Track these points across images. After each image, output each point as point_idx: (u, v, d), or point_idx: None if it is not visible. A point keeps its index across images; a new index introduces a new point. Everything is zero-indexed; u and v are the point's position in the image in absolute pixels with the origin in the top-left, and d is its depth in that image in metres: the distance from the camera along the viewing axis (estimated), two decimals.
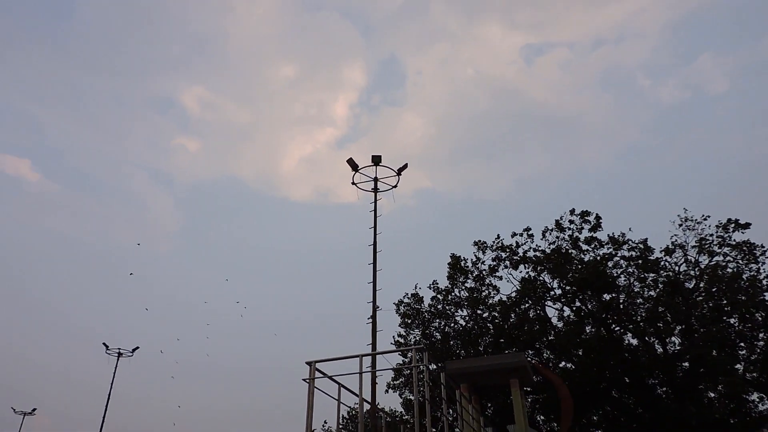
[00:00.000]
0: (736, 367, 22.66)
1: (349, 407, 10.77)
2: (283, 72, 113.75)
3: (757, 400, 22.84)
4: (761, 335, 22.85)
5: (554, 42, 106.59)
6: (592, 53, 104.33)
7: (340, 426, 29.89)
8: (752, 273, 23.69)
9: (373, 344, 16.85)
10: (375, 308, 17.77)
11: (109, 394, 34.96)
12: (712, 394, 23.11)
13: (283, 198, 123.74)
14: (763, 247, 23.96)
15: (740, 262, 24.16)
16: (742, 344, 23.26)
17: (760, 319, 22.74)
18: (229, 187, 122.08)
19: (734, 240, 24.52)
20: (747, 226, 24.43)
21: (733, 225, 24.63)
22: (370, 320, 17.45)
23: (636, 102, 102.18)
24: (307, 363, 8.78)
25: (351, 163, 20.96)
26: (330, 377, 9.06)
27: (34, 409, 45.74)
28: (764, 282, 23.28)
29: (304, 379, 8.69)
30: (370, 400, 14.91)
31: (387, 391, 27.53)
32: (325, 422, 40.92)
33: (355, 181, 20.95)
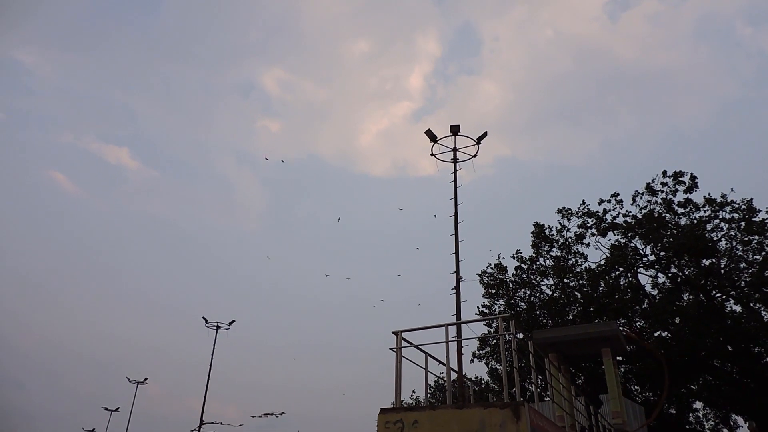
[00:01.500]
0: None
1: (437, 376, 10.97)
2: (358, 48, 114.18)
3: None
4: None
5: None
6: (684, 2, 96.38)
7: (428, 395, 30.48)
8: None
9: (458, 314, 16.93)
10: (458, 279, 17.80)
11: (211, 364, 37.51)
12: None
13: (362, 174, 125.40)
14: None
15: None
16: None
17: None
18: (311, 165, 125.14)
19: None
20: None
21: None
22: (454, 291, 17.51)
23: (736, 53, 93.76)
24: (394, 332, 9.00)
25: (429, 134, 20.82)
26: (416, 346, 9.25)
27: (146, 379, 49.90)
28: None
29: (391, 348, 8.93)
30: (456, 369, 15.06)
31: (472, 360, 27.65)
32: (414, 392, 41.79)
33: (434, 153, 20.83)
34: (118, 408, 50.33)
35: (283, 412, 40.40)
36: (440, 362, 9.39)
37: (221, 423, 37.91)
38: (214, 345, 38.56)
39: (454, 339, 13.31)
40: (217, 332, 39.67)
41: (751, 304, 23.31)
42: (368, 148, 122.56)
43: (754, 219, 23.56)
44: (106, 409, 50.42)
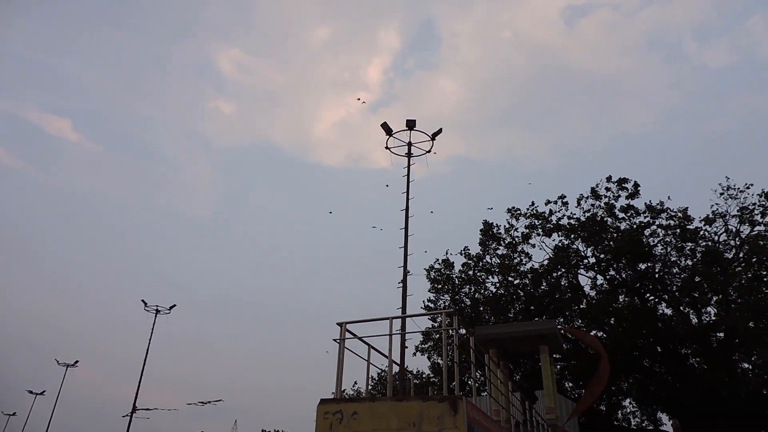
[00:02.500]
0: None
1: (379, 369, 11.01)
2: (319, 34, 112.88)
3: None
4: None
5: (598, 2, 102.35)
6: (638, 14, 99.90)
7: (370, 387, 30.64)
8: None
9: (403, 308, 17.05)
10: (406, 272, 17.92)
11: (147, 349, 36.37)
12: (746, 365, 22.76)
13: (316, 163, 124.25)
14: None
15: None
16: None
17: None
18: (264, 151, 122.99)
19: None
20: None
21: None
22: (401, 284, 17.62)
23: (682, 65, 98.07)
24: (338, 324, 8.97)
25: (385, 127, 20.82)
26: (360, 338, 9.26)
27: (77, 362, 47.90)
28: None
29: (335, 340, 8.90)
30: (399, 362, 15.19)
31: (415, 354, 27.99)
32: (355, 383, 41.92)
33: (389, 146, 20.87)
34: (44, 391, 48.27)
35: (220, 400, 39.73)
36: (383, 355, 9.44)
37: (155, 408, 36.88)
38: (152, 329, 37.50)
39: (398, 332, 13.41)
40: (156, 316, 38.56)
41: (681, 308, 24.55)
42: (323, 138, 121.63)
43: (688, 227, 24.76)
44: (30, 392, 48.25)
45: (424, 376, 29.28)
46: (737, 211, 24.40)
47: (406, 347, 16.28)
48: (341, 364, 8.55)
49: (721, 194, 24.83)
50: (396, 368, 14.73)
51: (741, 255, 23.91)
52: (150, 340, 36.89)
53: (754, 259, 23.10)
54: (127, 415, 34.59)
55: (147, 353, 36.27)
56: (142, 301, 39.25)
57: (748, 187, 24.39)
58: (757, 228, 23.91)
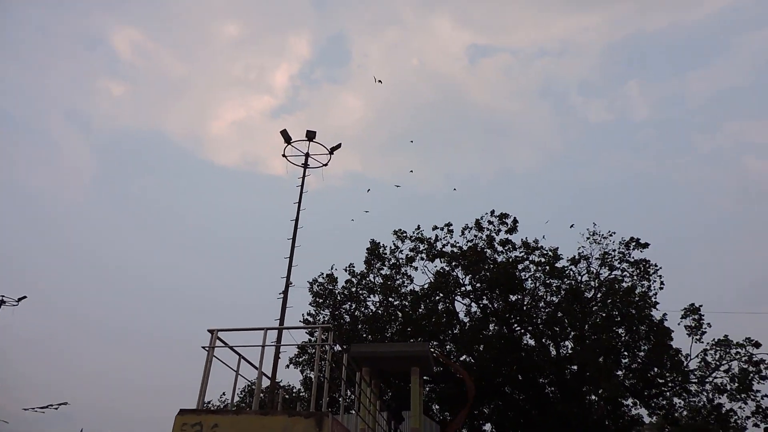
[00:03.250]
0: (617, 373, 24.47)
1: (248, 381, 10.62)
2: (227, 30, 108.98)
3: (631, 404, 24.90)
4: (643, 346, 24.80)
5: (500, 46, 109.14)
6: (533, 62, 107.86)
7: (238, 398, 29.51)
8: (644, 289, 25.60)
9: (281, 319, 16.70)
10: (288, 283, 17.62)
11: None
12: (594, 397, 24.81)
13: (208, 160, 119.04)
14: (657, 266, 25.93)
15: (635, 278, 26.01)
16: (625, 353, 25.12)
17: (644, 331, 24.65)
18: (152, 141, 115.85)
19: (633, 257, 26.34)
20: (646, 245, 26.31)
21: (634, 243, 26.43)
22: (282, 295, 17.27)
23: (566, 116, 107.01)
24: (210, 331, 8.56)
25: (284, 134, 20.54)
26: (231, 347, 8.89)
27: None
28: (653, 298, 25.24)
29: (204, 347, 8.47)
30: (270, 375, 14.79)
31: (288, 367, 27.46)
32: (223, 394, 40.22)
33: (286, 154, 20.57)
34: None
35: (65, 403, 35.07)
36: (253, 366, 9.12)
37: None
38: None
39: (272, 344, 13.06)
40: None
41: (543, 340, 26.35)
42: (219, 136, 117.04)
43: (556, 265, 26.76)
44: None
45: (294, 390, 28.78)
46: (599, 255, 26.83)
47: (279, 358, 15.92)
48: (207, 372, 8.14)
49: (588, 238, 27.18)
50: (267, 381, 14.31)
51: (598, 296, 26.21)
52: None
53: (609, 300, 25.43)
54: None
55: None
56: None
57: (611, 234, 26.94)
58: (615, 272, 26.41)
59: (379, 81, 32.29)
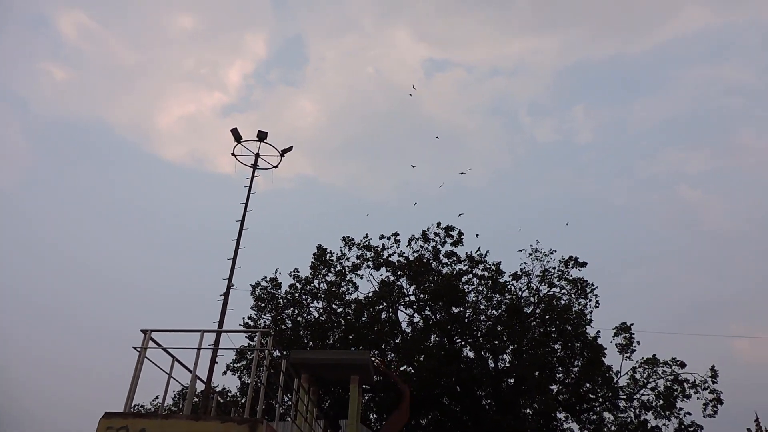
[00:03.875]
0: (552, 387, 25.13)
1: (183, 385, 10.27)
2: (182, 22, 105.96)
3: (564, 418, 25.61)
4: (577, 362, 25.62)
5: (455, 62, 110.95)
6: (487, 80, 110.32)
7: (164, 402, 28.57)
8: (580, 307, 26.50)
9: (221, 322, 16.25)
10: (230, 285, 17.19)
11: None
12: (529, 410, 25.36)
13: (152, 154, 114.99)
14: (593, 285, 26.91)
15: (573, 296, 26.89)
16: (560, 368, 25.88)
17: (578, 348, 25.47)
18: (95, 129, 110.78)
19: (571, 275, 27.23)
20: (584, 264, 27.26)
21: (573, 262, 27.33)
22: (222, 297, 16.83)
23: (516, 134, 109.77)
24: (143, 331, 8.23)
25: (235, 133, 20.09)
26: (165, 349, 8.56)
27: None
28: (588, 316, 26.15)
29: (135, 348, 8.12)
30: (205, 379, 14.34)
31: (225, 372, 26.74)
32: (156, 397, 38.75)
33: (236, 153, 20.13)
34: None
35: None
36: (187, 369, 8.81)
37: None
38: None
39: (208, 347, 12.69)
40: None
41: (482, 353, 26.77)
42: (166, 130, 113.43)
43: (499, 280, 27.31)
44: None
45: (230, 395, 28.05)
46: (540, 272, 27.58)
47: (216, 363, 15.47)
48: (138, 374, 7.80)
49: (530, 255, 27.90)
50: (203, 386, 13.88)
51: (537, 311, 26.91)
52: None
53: (547, 317, 26.15)
54: None
55: None
56: None
57: (552, 252, 27.75)
58: (554, 289, 27.22)
59: (413, 88, 32.78)
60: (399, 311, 27.84)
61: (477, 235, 28.16)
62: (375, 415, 26.56)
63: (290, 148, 20.78)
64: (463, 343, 27.22)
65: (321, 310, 27.58)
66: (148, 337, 8.16)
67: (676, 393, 24.00)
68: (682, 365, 24.56)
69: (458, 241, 27.95)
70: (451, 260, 27.83)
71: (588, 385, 25.33)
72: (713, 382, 24.05)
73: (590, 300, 26.76)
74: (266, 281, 27.95)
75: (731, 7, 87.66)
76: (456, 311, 27.08)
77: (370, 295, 27.37)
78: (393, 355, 26.74)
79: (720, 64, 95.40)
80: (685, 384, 24.20)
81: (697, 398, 24.00)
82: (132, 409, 7.57)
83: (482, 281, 27.42)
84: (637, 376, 25.11)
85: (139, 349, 8.04)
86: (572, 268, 27.35)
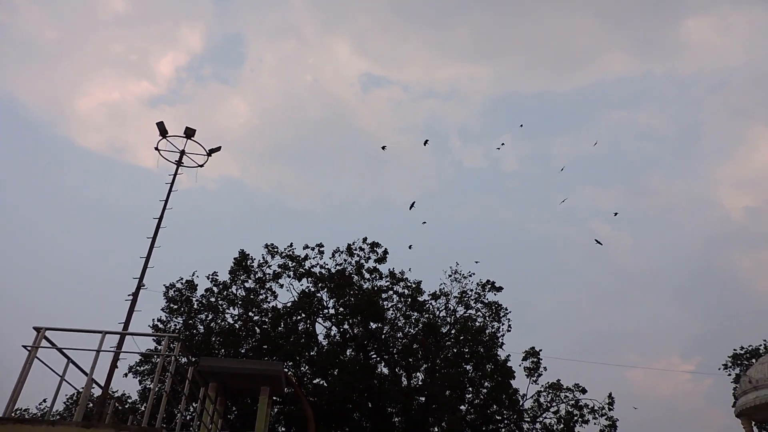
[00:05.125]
0: (461, 407, 25.62)
1: (78, 389, 9.60)
2: (114, 3, 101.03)
3: None
4: (486, 384, 26.29)
5: (393, 79, 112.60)
6: (422, 101, 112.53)
7: (53, 407, 26.73)
8: (494, 330, 27.29)
9: (126, 323, 15.35)
10: (140, 285, 16.30)
11: None
12: (436, 429, 25.68)
13: (66, 137, 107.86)
14: (507, 310, 27.84)
15: (487, 318, 27.66)
16: (470, 388, 26.45)
17: (489, 369, 26.16)
18: (3, 105, 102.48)
19: (488, 299, 28.08)
20: (500, 289, 28.19)
21: (489, 286, 28.20)
22: (131, 297, 15.93)
23: (445, 157, 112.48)
24: (36, 329, 7.61)
25: (161, 126, 19.17)
26: (60, 350, 7.96)
27: None
28: (501, 339, 26.97)
29: (25, 347, 7.49)
30: (102, 384, 13.47)
31: (126, 375, 25.27)
32: (44, 400, 36.04)
33: (160, 148, 19.27)
34: None
35: None
36: (83, 372, 8.23)
37: None
38: None
39: (109, 349, 11.92)
40: None
41: (397, 370, 26.90)
42: (85, 115, 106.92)
43: (418, 298, 27.66)
44: None
45: (130, 402, 26.54)
46: (458, 293, 28.22)
47: (117, 367, 14.58)
48: (25, 375, 7.18)
49: (449, 276, 28.50)
50: (100, 391, 13.02)
51: (453, 332, 27.45)
52: None
53: (461, 337, 26.71)
54: None
55: None
56: None
57: (470, 275, 28.49)
58: (470, 311, 27.90)
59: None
60: (317, 323, 27.54)
61: (410, 246, 28.45)
62: (283, 428, 25.97)
63: (218, 149, 20.11)
64: (378, 359, 27.25)
65: (236, 317, 26.77)
66: (42, 335, 7.56)
67: (576, 418, 25.11)
68: (584, 391, 25.80)
69: (382, 258, 28.12)
70: (373, 276, 27.91)
71: (495, 406, 26.02)
72: (610, 409, 25.40)
73: (503, 324, 27.66)
74: (181, 283, 26.86)
75: (652, 57, 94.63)
76: (374, 327, 27.12)
77: (289, 305, 26.91)
78: (307, 367, 26.34)
79: (636, 109, 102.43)
80: (584, 409, 25.38)
81: (595, 423, 25.26)
82: (14, 414, 6.95)
83: (402, 299, 27.67)
84: (542, 399, 26.13)
85: (29, 348, 7.42)
86: (489, 291, 28.20)
